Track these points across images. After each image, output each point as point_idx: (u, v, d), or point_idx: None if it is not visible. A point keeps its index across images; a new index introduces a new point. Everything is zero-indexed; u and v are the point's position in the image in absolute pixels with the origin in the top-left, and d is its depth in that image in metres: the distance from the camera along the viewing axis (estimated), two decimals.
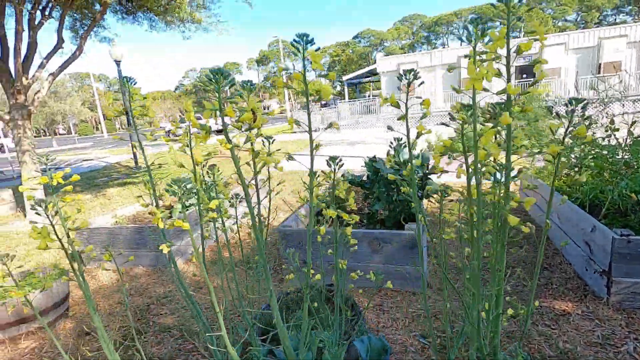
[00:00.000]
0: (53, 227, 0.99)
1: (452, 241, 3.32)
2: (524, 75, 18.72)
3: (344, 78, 25.87)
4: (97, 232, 3.49)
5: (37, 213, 0.97)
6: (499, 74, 0.80)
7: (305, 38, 0.83)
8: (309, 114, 0.93)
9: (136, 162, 11.18)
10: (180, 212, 3.82)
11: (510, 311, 1.14)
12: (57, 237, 1.00)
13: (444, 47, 55.95)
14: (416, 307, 2.36)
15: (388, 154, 3.25)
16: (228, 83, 0.76)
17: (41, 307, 2.44)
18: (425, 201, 4.37)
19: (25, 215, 6.03)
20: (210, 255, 3.62)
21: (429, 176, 2.94)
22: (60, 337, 2.41)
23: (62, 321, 2.61)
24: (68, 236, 1.04)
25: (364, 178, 3.23)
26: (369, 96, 31.11)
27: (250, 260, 2.61)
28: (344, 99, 26.78)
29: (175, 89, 77.31)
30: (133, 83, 1.06)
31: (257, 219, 1.07)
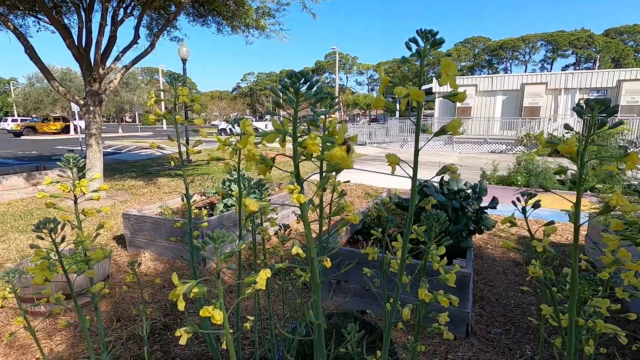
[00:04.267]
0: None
1: (502, 282, 3.02)
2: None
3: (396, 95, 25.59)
4: (143, 220, 3.62)
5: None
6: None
7: (429, 34, 0.64)
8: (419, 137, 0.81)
9: (187, 155, 11.76)
10: (221, 211, 3.87)
11: None
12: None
13: (506, 72, 53.48)
14: (456, 355, 2.13)
15: (441, 181, 3.04)
16: (313, 95, 0.52)
17: (82, 286, 2.52)
18: (477, 236, 4.05)
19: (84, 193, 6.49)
20: (246, 258, 3.60)
21: (485, 210, 2.69)
22: (94, 318, 2.47)
23: (91, 305, 2.69)
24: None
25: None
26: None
27: (291, 273, 2.53)
28: (395, 115, 26.39)
29: (233, 90, 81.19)
30: (182, 82, 1.01)
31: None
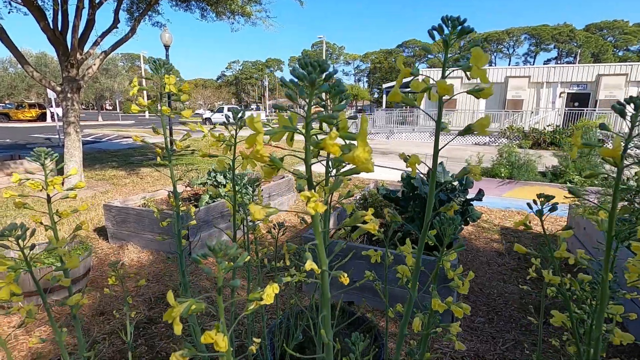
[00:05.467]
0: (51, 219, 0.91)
1: (486, 272, 3.08)
2: (576, 104, 17.68)
3: (384, 86, 25.55)
4: (125, 212, 3.52)
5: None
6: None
7: (455, 21, 0.58)
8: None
9: (172, 144, 11.49)
10: (206, 202, 3.80)
11: None
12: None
13: (490, 65, 54.19)
14: (441, 344, 2.17)
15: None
16: (331, 88, 0.46)
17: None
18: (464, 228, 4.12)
19: (62, 184, 6.27)
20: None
21: (471, 202, 2.72)
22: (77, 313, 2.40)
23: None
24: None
25: (399, 194, 3.05)
26: (406, 107, 30.50)
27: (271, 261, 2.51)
28: (382, 106, 26.43)
29: (218, 78, 79.55)
30: (168, 70, 0.96)
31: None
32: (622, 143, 0.55)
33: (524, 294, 2.73)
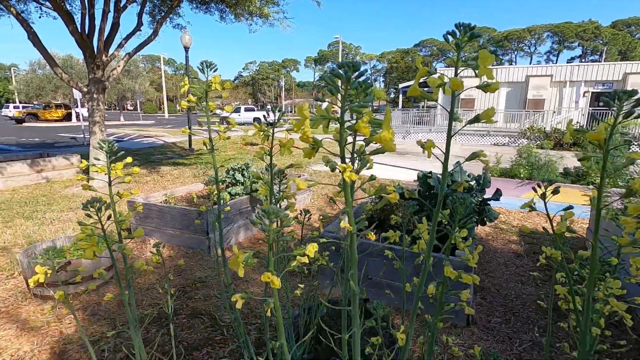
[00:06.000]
0: (112, 198, 1.02)
1: (503, 273, 3.05)
2: (600, 104, 17.08)
3: (400, 86, 25.34)
4: (147, 208, 3.65)
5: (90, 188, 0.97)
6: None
7: (467, 27, 0.69)
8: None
9: (190, 144, 11.77)
10: (225, 198, 3.89)
11: None
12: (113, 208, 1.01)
13: (510, 64, 52.91)
14: (456, 343, 2.17)
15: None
16: (362, 84, 0.55)
17: (88, 272, 2.57)
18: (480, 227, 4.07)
19: (88, 181, 6.52)
20: (249, 247, 3.64)
21: (488, 202, 2.71)
22: (102, 303, 2.53)
23: (105, 288, 2.75)
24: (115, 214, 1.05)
25: (415, 194, 3.05)
26: (423, 107, 30.18)
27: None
28: (398, 106, 26.24)
29: (235, 79, 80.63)
30: (214, 70, 1.03)
31: None
32: (607, 129, 0.61)
33: (544, 295, 2.69)
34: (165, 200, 4.04)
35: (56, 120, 27.83)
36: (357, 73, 0.56)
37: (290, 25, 8.35)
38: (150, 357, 1.32)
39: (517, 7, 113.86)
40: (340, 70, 0.56)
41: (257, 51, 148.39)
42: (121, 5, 6.13)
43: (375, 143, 0.58)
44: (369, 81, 0.56)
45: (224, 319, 2.35)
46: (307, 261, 0.64)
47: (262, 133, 1.06)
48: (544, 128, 14.83)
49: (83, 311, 2.42)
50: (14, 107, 29.61)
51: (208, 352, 2.05)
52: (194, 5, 7.69)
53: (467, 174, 2.87)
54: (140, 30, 6.58)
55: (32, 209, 4.82)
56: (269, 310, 0.68)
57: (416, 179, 3.00)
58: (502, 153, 7.86)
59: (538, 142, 13.20)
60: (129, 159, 1.13)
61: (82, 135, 14.47)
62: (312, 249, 0.64)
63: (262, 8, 7.43)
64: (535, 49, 60.93)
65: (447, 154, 0.76)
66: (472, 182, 2.80)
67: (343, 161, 0.61)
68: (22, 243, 3.60)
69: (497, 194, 2.60)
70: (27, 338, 2.15)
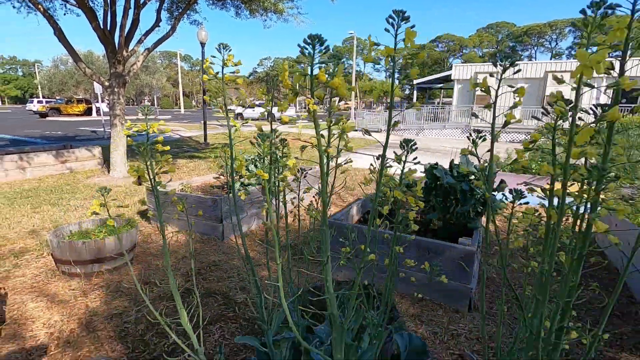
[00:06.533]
0: (148, 169, 1.08)
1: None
2: (623, 100, 16.58)
3: (415, 82, 25.08)
4: (165, 196, 3.83)
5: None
6: (611, 67, 0.76)
7: (401, 15, 0.84)
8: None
9: (205, 139, 12.02)
10: (238, 189, 4.04)
11: (574, 333, 1.03)
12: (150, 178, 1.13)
13: (530, 60, 51.56)
14: (457, 326, 2.26)
15: (451, 163, 3.12)
16: (326, 53, 0.75)
17: (112, 252, 2.76)
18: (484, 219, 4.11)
19: (108, 171, 6.80)
20: (260, 235, 3.79)
21: (492, 192, 2.77)
22: (124, 281, 2.71)
23: (127, 268, 2.93)
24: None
25: (422, 185, 3.13)
26: (437, 103, 29.81)
27: (298, 245, 2.70)
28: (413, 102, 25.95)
29: (249, 75, 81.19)
30: (228, 50, 1.13)
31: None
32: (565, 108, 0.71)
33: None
34: (182, 189, 4.22)
35: (77, 115, 28.71)
36: (323, 45, 0.75)
37: (305, 21, 8.44)
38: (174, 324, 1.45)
39: (530, 2, 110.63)
40: (309, 40, 0.76)
41: (271, 47, 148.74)
42: (141, 2, 6.34)
43: (334, 90, 0.78)
44: (330, 50, 0.74)
45: (236, 298, 2.49)
46: (291, 165, 0.92)
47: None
48: (562, 125, 14.49)
49: (106, 288, 2.61)
50: (38, 102, 30.69)
51: (221, 327, 2.20)
52: (210, 2, 7.87)
53: (473, 165, 2.93)
54: (159, 27, 6.79)
55: (57, 197, 5.09)
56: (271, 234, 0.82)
57: (423, 170, 3.07)
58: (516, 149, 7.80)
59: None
60: (167, 147, 1.15)
61: (102, 129, 14.94)
62: (291, 162, 0.89)
63: (277, 4, 7.54)
64: (557, 44, 59.22)
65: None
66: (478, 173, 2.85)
67: (312, 97, 0.79)
68: (49, 227, 3.84)
69: (501, 184, 2.66)
70: (57, 310, 2.34)
